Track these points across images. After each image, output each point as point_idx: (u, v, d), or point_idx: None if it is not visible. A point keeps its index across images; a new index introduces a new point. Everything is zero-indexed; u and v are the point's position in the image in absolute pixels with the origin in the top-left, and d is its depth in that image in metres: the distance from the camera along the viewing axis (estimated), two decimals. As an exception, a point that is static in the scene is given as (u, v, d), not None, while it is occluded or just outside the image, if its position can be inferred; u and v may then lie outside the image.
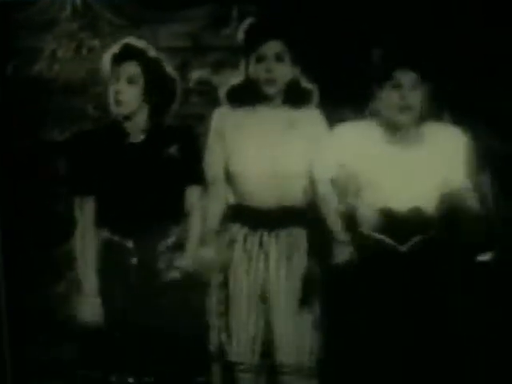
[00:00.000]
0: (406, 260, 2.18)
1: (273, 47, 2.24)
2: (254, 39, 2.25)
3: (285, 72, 2.26)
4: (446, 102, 2.28)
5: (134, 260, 2.26)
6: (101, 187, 2.26)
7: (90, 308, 2.27)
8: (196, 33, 2.43)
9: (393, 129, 2.20)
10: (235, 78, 2.31)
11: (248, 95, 2.29)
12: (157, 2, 2.36)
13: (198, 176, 2.32)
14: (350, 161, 2.21)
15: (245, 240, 2.31)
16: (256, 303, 2.29)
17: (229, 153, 2.30)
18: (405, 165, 2.18)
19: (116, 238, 2.28)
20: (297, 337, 2.29)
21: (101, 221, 2.28)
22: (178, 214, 2.30)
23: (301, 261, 2.30)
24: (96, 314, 2.27)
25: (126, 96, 2.24)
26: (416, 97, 2.16)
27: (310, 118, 2.30)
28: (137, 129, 2.28)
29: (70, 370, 2.38)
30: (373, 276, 2.18)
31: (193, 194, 2.31)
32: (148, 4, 2.38)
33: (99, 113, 2.45)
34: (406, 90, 2.15)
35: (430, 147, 2.20)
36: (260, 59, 2.25)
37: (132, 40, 2.27)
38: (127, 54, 2.24)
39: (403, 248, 2.18)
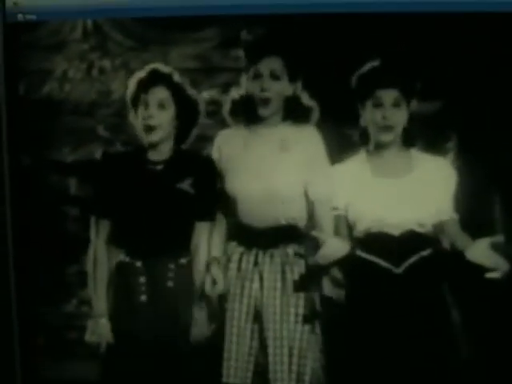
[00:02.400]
0: (402, 282, 2.18)
1: (269, 64, 2.25)
2: (252, 55, 2.27)
3: (281, 91, 2.26)
4: (454, 127, 2.30)
5: (143, 279, 2.27)
6: (116, 210, 2.29)
7: (99, 328, 2.29)
8: (205, 54, 2.44)
9: (380, 160, 2.21)
10: (235, 93, 2.33)
11: (247, 112, 2.30)
12: (166, 23, 2.37)
13: (207, 214, 2.33)
14: (342, 200, 2.24)
15: (240, 259, 2.31)
16: (250, 323, 2.28)
17: (224, 172, 2.31)
18: (396, 194, 2.19)
19: (127, 260, 2.30)
20: (291, 358, 2.26)
21: (114, 242, 2.31)
22: (190, 239, 2.33)
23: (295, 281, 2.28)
24: (105, 335, 2.29)
25: (158, 121, 2.27)
26: (399, 116, 2.16)
27: (308, 137, 2.29)
28: (159, 157, 2.31)
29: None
30: (368, 299, 2.19)
31: (201, 230, 2.32)
32: (158, 25, 2.39)
33: (110, 134, 2.47)
34: (387, 109, 2.16)
35: (418, 177, 2.21)
36: (256, 76, 2.26)
37: (159, 65, 2.31)
38: (155, 80, 2.28)
39: (399, 270, 2.19)
